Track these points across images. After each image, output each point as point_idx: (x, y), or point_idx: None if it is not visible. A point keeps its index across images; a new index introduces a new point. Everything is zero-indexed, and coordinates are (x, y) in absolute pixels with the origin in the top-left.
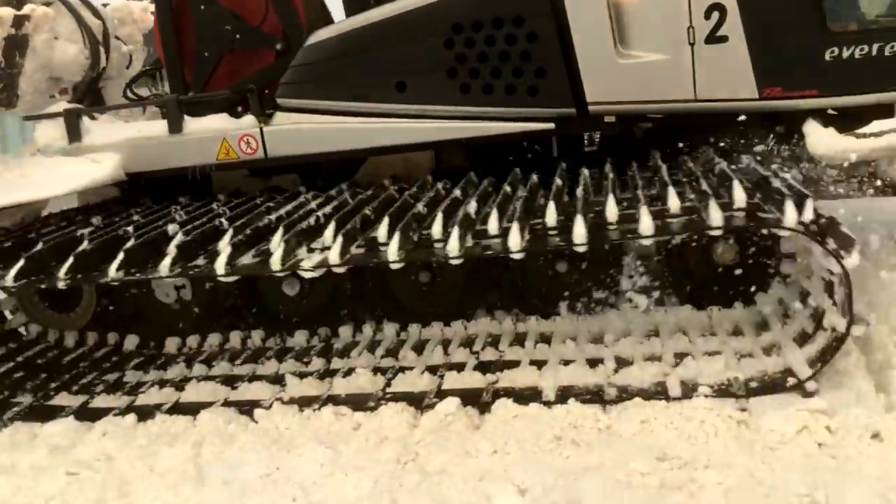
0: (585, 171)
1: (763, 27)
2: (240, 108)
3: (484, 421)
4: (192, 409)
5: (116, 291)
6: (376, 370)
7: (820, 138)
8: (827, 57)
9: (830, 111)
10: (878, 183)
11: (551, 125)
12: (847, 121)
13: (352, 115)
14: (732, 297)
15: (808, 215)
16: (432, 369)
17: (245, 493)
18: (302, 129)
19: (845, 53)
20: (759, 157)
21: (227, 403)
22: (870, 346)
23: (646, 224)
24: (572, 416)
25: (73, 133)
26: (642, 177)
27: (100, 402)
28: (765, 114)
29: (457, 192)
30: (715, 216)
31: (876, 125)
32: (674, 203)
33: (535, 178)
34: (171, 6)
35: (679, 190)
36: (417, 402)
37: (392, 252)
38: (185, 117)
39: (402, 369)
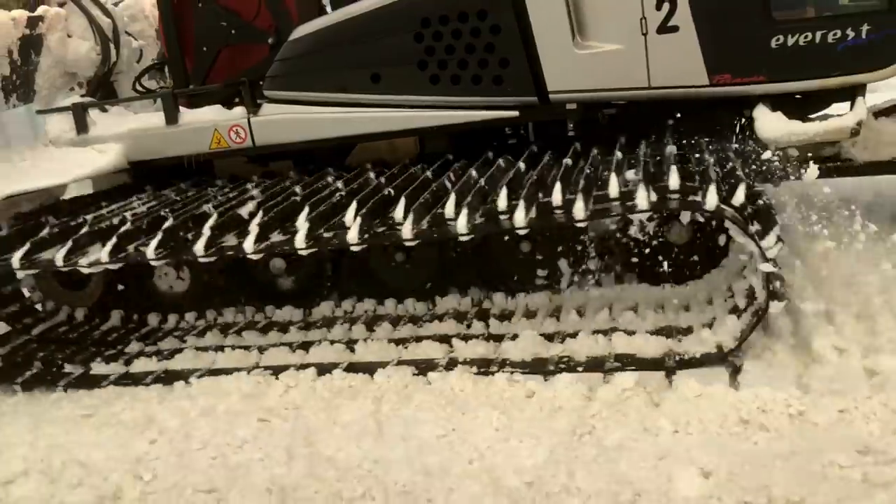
0: (546, 157)
1: (712, 17)
2: (237, 100)
3: (663, 398)
4: (370, 369)
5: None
6: (544, 336)
7: (767, 122)
8: (773, 44)
9: (792, 96)
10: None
11: (515, 113)
12: (807, 104)
13: (332, 106)
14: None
15: (739, 199)
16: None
17: (422, 450)
18: (286, 119)
19: (790, 41)
20: (715, 142)
21: (401, 362)
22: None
23: (578, 207)
24: (760, 399)
25: (81, 125)
26: (597, 162)
27: (280, 359)
28: (717, 99)
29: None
30: (641, 199)
31: (835, 108)
32: (613, 188)
33: (499, 162)
34: (172, 3)
35: (621, 174)
36: (599, 365)
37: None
38: (181, 109)
39: (571, 335)
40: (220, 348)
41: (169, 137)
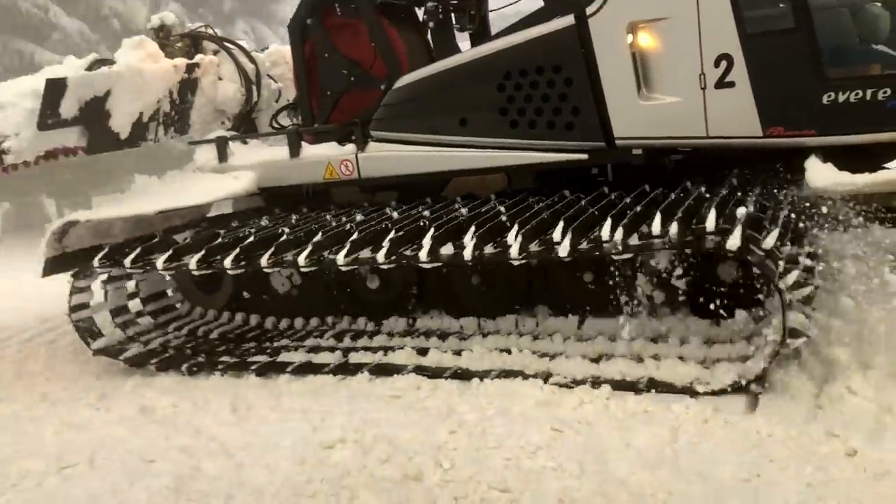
0: (611, 195)
1: (766, 74)
2: (353, 138)
3: None
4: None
5: (247, 279)
6: None
7: (818, 173)
8: (824, 100)
9: (846, 149)
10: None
11: (585, 156)
12: (862, 158)
13: (426, 145)
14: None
15: (769, 243)
16: None
17: (721, 492)
18: (387, 156)
19: (841, 97)
20: (770, 188)
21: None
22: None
23: (616, 240)
24: None
25: (222, 155)
26: (652, 202)
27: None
28: (772, 150)
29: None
30: (672, 235)
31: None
32: (655, 225)
33: (569, 198)
34: (304, 52)
35: (667, 215)
36: None
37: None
38: (304, 144)
39: None
40: (507, 350)
41: (291, 168)
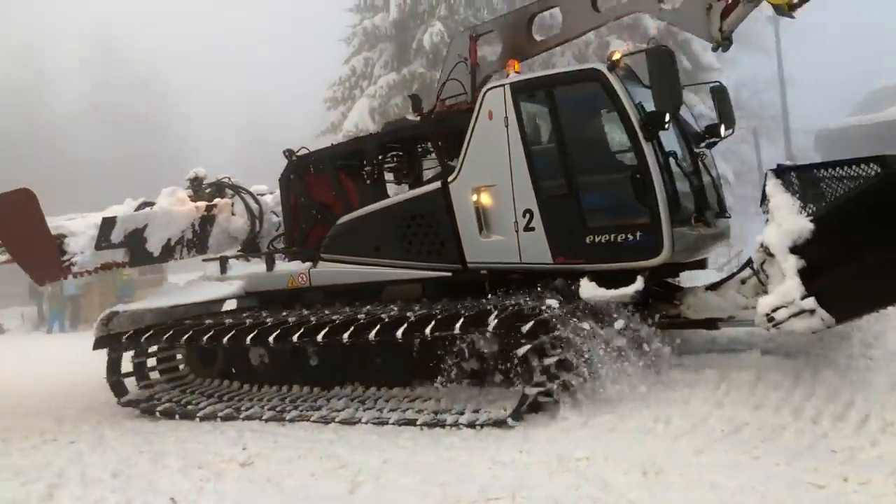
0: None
1: (553, 223)
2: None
3: None
4: None
5: (233, 355)
6: None
7: (584, 287)
8: (587, 241)
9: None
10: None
11: (449, 273)
12: (615, 279)
13: (355, 264)
14: None
15: (526, 328)
16: None
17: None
18: (328, 272)
19: (597, 239)
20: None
21: None
22: None
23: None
24: None
25: (223, 269)
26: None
27: None
28: (558, 272)
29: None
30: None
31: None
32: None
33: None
34: (289, 198)
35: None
36: None
37: None
38: (276, 260)
39: None
40: None
41: (267, 278)
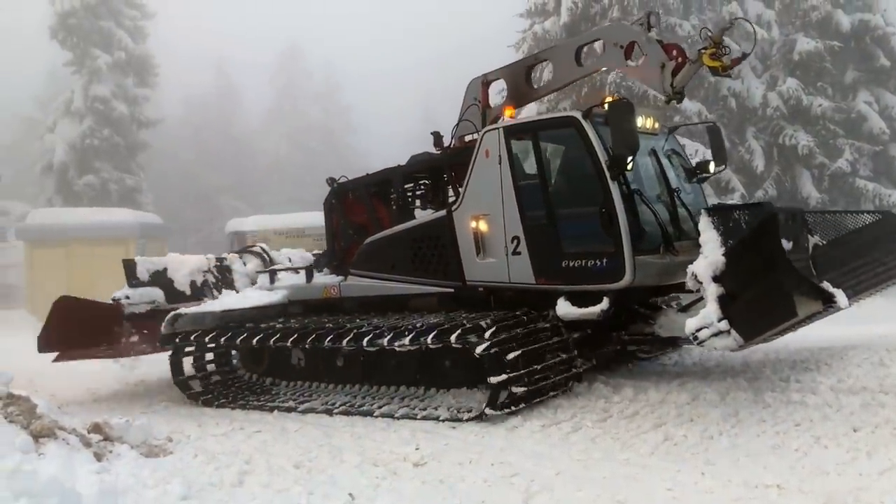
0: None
1: (536, 248)
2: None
3: None
4: None
5: (277, 355)
6: None
7: (560, 306)
8: (563, 265)
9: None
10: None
11: (452, 289)
12: (587, 299)
13: (377, 279)
14: None
15: (482, 347)
16: None
17: None
18: (355, 285)
19: (572, 264)
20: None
21: None
22: None
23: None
24: None
25: (272, 280)
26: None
27: None
28: (540, 292)
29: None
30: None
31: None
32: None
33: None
34: (331, 221)
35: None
36: None
37: None
38: (315, 273)
39: None
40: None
41: (305, 289)
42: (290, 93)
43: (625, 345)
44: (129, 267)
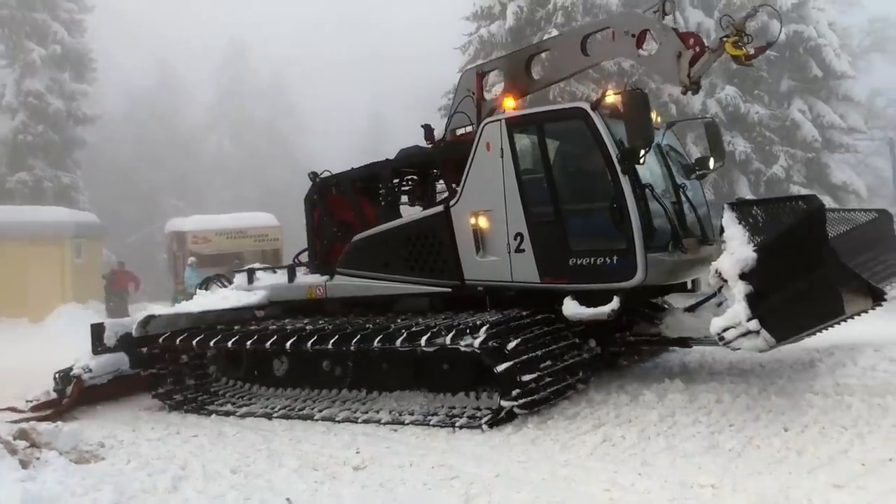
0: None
1: (541, 246)
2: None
3: None
4: None
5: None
6: None
7: (567, 306)
8: (570, 263)
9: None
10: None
11: (449, 289)
12: (595, 298)
13: (366, 278)
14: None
15: (478, 342)
16: None
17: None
18: (342, 285)
19: (579, 262)
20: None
21: None
22: None
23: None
24: None
25: (250, 280)
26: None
27: None
28: (545, 290)
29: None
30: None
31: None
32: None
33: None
34: (313, 217)
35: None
36: None
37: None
38: (297, 273)
39: None
40: None
41: (288, 289)
42: (234, 90)
43: (629, 346)
44: (97, 332)
